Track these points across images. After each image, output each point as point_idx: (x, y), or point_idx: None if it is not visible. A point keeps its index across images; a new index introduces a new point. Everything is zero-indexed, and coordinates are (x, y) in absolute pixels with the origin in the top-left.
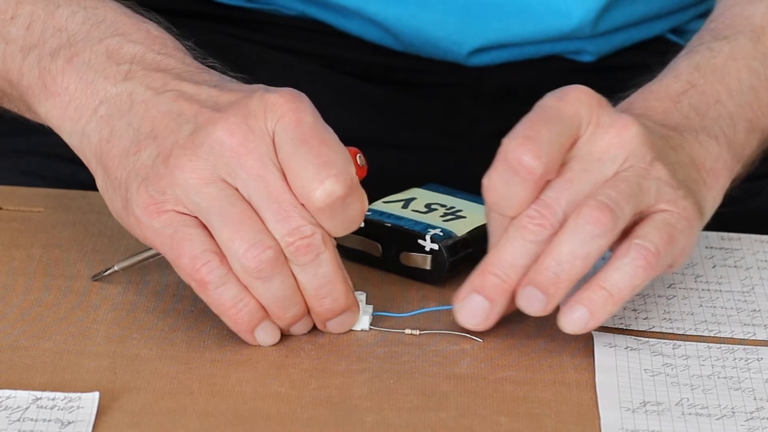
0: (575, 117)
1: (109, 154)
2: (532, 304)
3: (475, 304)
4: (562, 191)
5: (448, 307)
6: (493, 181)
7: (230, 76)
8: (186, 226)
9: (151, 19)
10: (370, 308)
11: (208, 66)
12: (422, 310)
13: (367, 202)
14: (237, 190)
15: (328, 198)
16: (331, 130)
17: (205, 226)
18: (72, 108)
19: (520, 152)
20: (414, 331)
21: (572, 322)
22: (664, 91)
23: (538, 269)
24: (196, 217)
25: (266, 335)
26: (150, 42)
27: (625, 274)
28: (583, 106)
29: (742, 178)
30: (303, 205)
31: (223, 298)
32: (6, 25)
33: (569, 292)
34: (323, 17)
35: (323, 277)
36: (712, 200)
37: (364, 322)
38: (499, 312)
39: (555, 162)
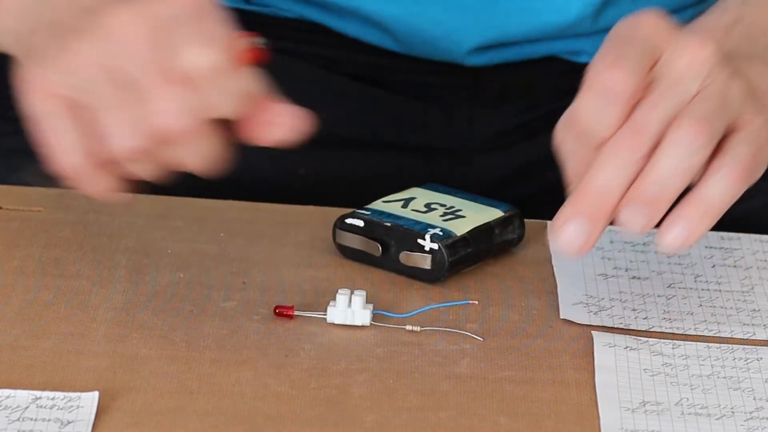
0: (652, 39)
1: (25, 43)
2: (636, 221)
3: (574, 228)
4: (651, 110)
5: (448, 304)
6: (584, 106)
7: None
8: (60, 114)
9: None
10: (370, 306)
11: None
12: (421, 309)
13: (253, 81)
14: (125, 76)
15: (198, 66)
16: (214, 8)
17: (77, 116)
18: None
19: (607, 75)
20: (415, 327)
21: (671, 240)
22: (713, 24)
23: (640, 186)
24: (77, 104)
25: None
26: None
27: (718, 189)
28: (657, 29)
29: None
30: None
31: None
32: None
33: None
34: (321, 19)
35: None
36: None
37: (364, 317)
38: (598, 235)
39: (641, 82)
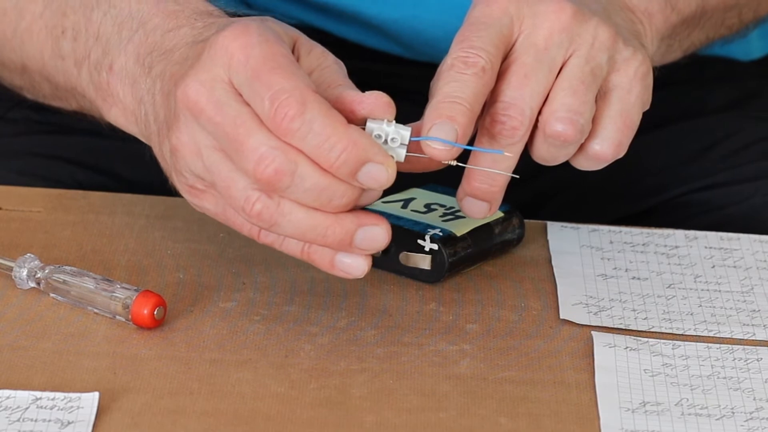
0: (504, 17)
1: (151, 143)
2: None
3: (474, 205)
4: (523, 87)
5: (497, 151)
6: (442, 79)
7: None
8: (206, 201)
9: None
10: (408, 132)
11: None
12: (457, 144)
13: (331, 117)
14: (218, 143)
15: (286, 120)
16: (281, 52)
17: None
18: (129, 113)
19: (463, 53)
20: (452, 162)
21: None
22: None
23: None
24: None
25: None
26: (166, 22)
27: (592, 164)
28: (510, 4)
29: (687, 53)
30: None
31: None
32: (59, 41)
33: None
34: (322, 24)
35: (317, 137)
36: (650, 41)
37: (399, 154)
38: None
39: (496, 58)
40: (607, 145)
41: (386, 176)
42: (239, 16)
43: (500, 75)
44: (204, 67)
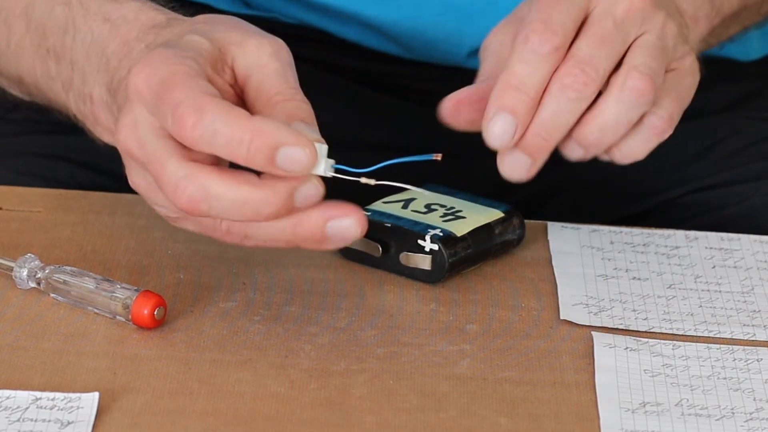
0: None
1: None
2: (573, 154)
3: (516, 161)
4: (599, 48)
5: (408, 159)
6: (515, 53)
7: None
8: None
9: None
10: (331, 161)
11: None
12: (380, 165)
13: (229, 116)
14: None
15: (188, 130)
16: (180, 69)
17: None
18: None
19: (541, 25)
20: (370, 181)
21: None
22: None
23: (583, 132)
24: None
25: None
26: (121, 48)
27: (640, 141)
28: None
29: (720, 40)
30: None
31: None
32: (45, 61)
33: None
34: (322, 24)
35: (222, 137)
36: (692, 45)
37: (321, 167)
38: (538, 168)
39: (571, 33)
40: (662, 114)
41: (305, 156)
42: (199, 14)
43: (575, 36)
44: (124, 110)
